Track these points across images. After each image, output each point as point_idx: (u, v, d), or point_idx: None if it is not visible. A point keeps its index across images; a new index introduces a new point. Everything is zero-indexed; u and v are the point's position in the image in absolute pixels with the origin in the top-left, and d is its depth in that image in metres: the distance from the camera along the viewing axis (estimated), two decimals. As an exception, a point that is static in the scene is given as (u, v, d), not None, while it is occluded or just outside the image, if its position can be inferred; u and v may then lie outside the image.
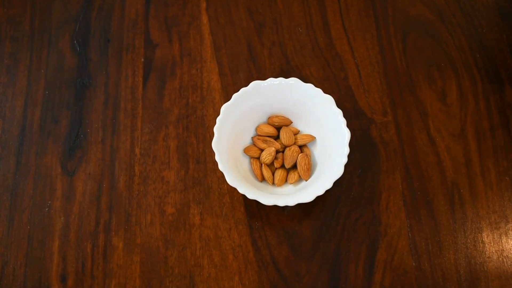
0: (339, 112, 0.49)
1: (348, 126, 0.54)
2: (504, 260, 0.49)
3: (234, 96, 0.51)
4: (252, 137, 0.53)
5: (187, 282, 0.49)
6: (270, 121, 0.53)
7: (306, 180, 0.50)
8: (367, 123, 0.54)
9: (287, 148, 0.52)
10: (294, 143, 0.52)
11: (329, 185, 0.47)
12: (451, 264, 0.49)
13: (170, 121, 0.55)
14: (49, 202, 0.53)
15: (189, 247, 0.50)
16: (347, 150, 0.47)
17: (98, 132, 0.56)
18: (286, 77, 0.53)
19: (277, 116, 0.53)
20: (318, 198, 0.51)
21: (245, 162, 0.52)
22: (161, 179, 0.53)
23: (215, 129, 0.49)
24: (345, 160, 0.47)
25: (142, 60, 0.59)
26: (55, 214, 0.52)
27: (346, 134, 0.48)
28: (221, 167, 0.48)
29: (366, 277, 0.48)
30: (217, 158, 0.48)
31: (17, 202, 0.53)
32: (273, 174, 0.52)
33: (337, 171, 0.47)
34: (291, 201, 0.47)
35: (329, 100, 0.50)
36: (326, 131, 0.51)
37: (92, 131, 0.56)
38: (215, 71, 0.58)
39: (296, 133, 0.53)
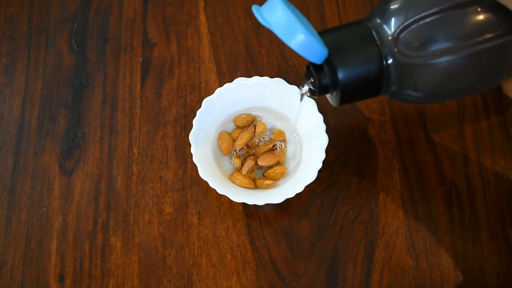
0: (320, 117, 0.49)
1: (345, 125, 0.54)
2: (502, 259, 0.49)
3: (217, 90, 0.51)
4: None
5: (185, 281, 0.49)
6: (235, 122, 0.53)
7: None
8: (365, 123, 0.54)
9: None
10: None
11: (300, 189, 0.47)
12: (449, 263, 0.49)
13: (168, 121, 0.55)
14: (47, 201, 0.53)
15: (187, 247, 0.50)
16: (323, 155, 0.48)
17: (96, 131, 0.55)
18: (284, 77, 0.52)
19: (240, 117, 0.53)
20: (316, 197, 0.51)
21: (220, 158, 0.52)
22: (159, 178, 0.53)
23: (194, 121, 0.50)
24: (319, 165, 0.47)
25: (140, 59, 0.59)
26: (53, 214, 0.52)
27: (324, 140, 0.48)
28: (195, 159, 0.48)
29: (364, 276, 0.48)
30: (192, 150, 0.49)
31: (15, 201, 0.53)
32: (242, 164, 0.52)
33: (310, 176, 0.47)
34: (261, 201, 0.47)
35: (311, 103, 0.50)
36: (306, 134, 0.51)
37: (90, 130, 0.56)
38: (213, 70, 0.58)
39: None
